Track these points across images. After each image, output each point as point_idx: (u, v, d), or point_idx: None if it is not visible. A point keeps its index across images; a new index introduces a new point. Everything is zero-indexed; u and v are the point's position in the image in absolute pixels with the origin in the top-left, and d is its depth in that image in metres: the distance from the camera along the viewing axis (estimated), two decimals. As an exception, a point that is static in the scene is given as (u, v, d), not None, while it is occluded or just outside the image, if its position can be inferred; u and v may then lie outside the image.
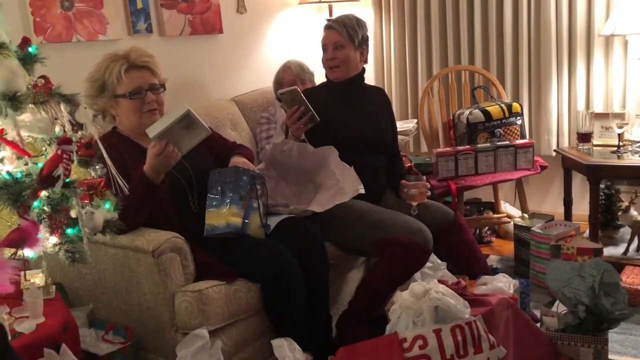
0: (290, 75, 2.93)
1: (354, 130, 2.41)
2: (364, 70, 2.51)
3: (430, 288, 1.70)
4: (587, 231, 2.91)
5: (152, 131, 1.86)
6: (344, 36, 2.39)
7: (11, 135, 1.48)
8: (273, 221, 2.17)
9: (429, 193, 2.43)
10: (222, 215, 1.99)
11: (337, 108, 2.43)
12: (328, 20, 3.50)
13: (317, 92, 2.52)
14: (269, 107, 3.00)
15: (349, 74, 2.44)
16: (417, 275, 2.20)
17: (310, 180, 2.37)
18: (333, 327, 2.25)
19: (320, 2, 3.53)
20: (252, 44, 3.42)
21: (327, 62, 2.44)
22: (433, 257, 2.34)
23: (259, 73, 3.40)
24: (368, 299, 2.22)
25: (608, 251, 2.86)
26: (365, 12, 3.79)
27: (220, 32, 3.15)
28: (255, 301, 2.00)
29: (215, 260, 2.00)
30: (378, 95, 2.63)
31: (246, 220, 2.03)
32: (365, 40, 2.47)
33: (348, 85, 2.46)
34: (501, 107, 3.11)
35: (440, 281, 1.97)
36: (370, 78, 3.52)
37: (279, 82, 2.95)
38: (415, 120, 3.43)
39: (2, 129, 1.48)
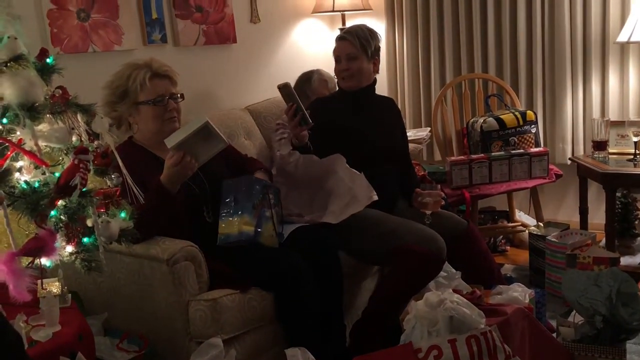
0: (325, 90, 2.88)
1: (366, 139, 2.42)
2: (375, 80, 2.52)
3: (445, 298, 1.69)
4: (604, 240, 2.88)
5: (171, 141, 1.88)
6: (357, 47, 2.40)
7: (29, 145, 1.50)
8: (287, 229, 2.17)
9: (443, 202, 2.43)
10: (234, 224, 2.00)
11: (349, 116, 2.44)
12: (341, 30, 3.52)
13: (330, 101, 2.53)
14: (283, 115, 3.00)
15: (362, 84, 2.46)
16: (432, 284, 2.18)
17: (320, 187, 2.38)
18: (347, 337, 2.24)
19: (333, 12, 3.54)
20: (265, 54, 3.44)
21: (341, 73, 2.45)
22: (447, 266, 2.32)
23: (273, 82, 3.37)
24: (382, 308, 2.21)
25: (625, 261, 2.83)
26: (378, 21, 3.80)
27: (234, 42, 3.18)
28: (269, 310, 2.00)
29: (229, 269, 2.00)
30: (388, 104, 2.65)
31: (259, 229, 2.03)
32: (377, 50, 2.48)
33: (360, 94, 2.48)
34: (515, 115, 3.10)
35: (455, 290, 1.96)
36: (383, 86, 3.54)
37: (305, 93, 2.87)
38: (429, 129, 3.42)
39: (21, 139, 1.50)
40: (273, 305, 2.00)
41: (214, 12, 3.05)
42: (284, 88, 2.26)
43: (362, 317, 2.26)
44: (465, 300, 1.75)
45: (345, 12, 3.59)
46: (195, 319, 1.89)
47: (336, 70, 2.47)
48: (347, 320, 2.28)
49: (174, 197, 1.93)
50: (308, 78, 2.93)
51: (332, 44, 3.62)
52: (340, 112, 2.44)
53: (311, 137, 2.32)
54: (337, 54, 2.45)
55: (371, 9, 3.64)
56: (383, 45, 3.77)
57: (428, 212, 2.35)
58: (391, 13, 3.74)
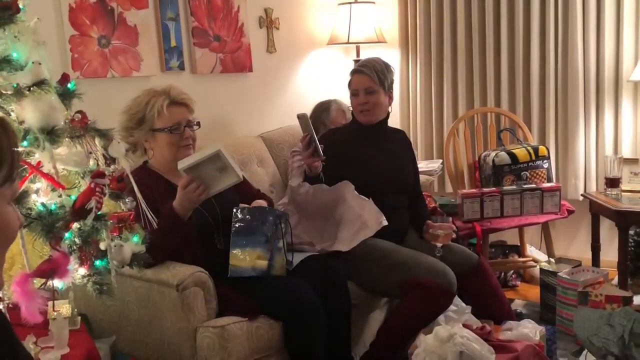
0: (342, 119, 2.91)
1: (377, 169, 2.43)
2: (389, 113, 2.55)
3: (455, 332, 1.68)
4: (616, 278, 2.85)
5: (182, 163, 1.90)
6: (375, 81, 2.41)
7: (47, 167, 1.52)
8: (296, 258, 2.17)
9: (454, 235, 2.42)
10: (247, 258, 2.00)
11: (361, 147, 2.46)
12: (355, 61, 3.57)
13: (343, 131, 2.56)
14: (299, 143, 3.02)
15: (379, 117, 2.47)
16: (441, 318, 2.16)
17: (330, 215, 2.39)
18: (354, 369, 2.21)
19: (348, 43, 3.59)
20: (280, 83, 3.48)
21: (359, 107, 2.45)
22: (457, 300, 2.30)
23: (287, 111, 3.45)
24: (390, 341, 2.19)
25: (638, 300, 2.78)
26: (392, 53, 3.85)
27: (250, 71, 3.23)
28: (277, 339, 1.99)
29: (237, 296, 2.00)
30: (400, 136, 2.67)
31: (272, 262, 2.03)
32: (392, 84, 2.51)
33: (374, 127, 2.49)
34: (528, 150, 3.10)
35: (464, 325, 1.94)
36: (396, 118, 3.56)
37: (323, 122, 2.91)
38: (440, 161, 3.43)
39: (39, 162, 1.52)
40: (281, 334, 1.99)
41: (231, 42, 3.11)
42: (301, 118, 2.28)
43: (371, 350, 2.24)
44: (475, 335, 1.73)
45: (360, 44, 3.64)
46: (203, 345, 1.88)
47: (354, 104, 2.48)
48: (355, 352, 2.26)
49: (185, 223, 1.94)
50: (326, 107, 2.96)
51: (347, 73, 3.69)
52: (352, 142, 2.46)
53: (324, 168, 2.34)
54: (355, 87, 2.46)
55: (385, 42, 3.69)
56: (397, 77, 3.82)
57: (439, 244, 2.33)
58: (405, 46, 3.79)
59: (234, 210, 2.09)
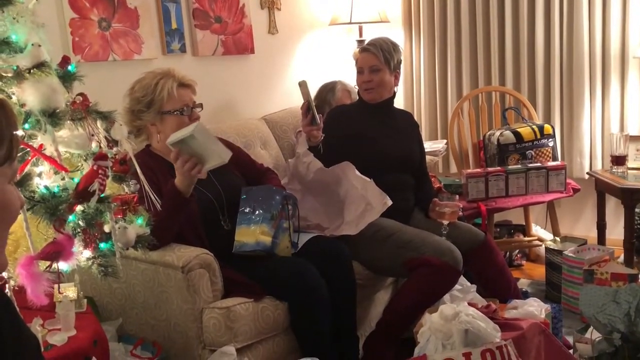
0: (348, 99, 2.92)
1: (383, 147, 2.43)
2: (394, 93, 2.55)
3: (460, 311, 1.67)
4: (622, 256, 2.84)
5: (170, 138, 1.90)
6: (380, 60, 2.42)
7: (49, 150, 1.52)
8: (301, 239, 2.17)
9: (461, 213, 2.43)
10: (252, 233, 2.00)
11: (367, 125, 2.46)
12: (359, 41, 3.54)
13: (349, 109, 2.57)
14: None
15: (383, 96, 2.48)
16: (446, 297, 2.16)
17: (332, 195, 2.39)
18: (360, 348, 2.22)
19: (350, 23, 3.56)
20: (282, 64, 3.46)
21: (363, 84, 2.47)
22: (462, 279, 2.30)
23: (289, 92, 3.43)
24: (396, 320, 2.20)
25: (644, 277, 2.78)
26: (395, 33, 3.81)
27: (252, 53, 3.20)
28: (283, 319, 2.00)
29: (243, 278, 2.00)
30: (406, 117, 2.68)
31: (276, 240, 2.03)
32: (399, 64, 2.51)
33: (380, 106, 2.50)
34: (532, 129, 3.08)
35: (470, 304, 1.94)
36: (399, 97, 3.54)
37: (329, 102, 2.91)
38: (445, 141, 3.41)
39: (41, 145, 1.52)
40: (287, 314, 2.00)
41: (232, 23, 3.08)
42: (302, 85, 2.26)
43: (376, 329, 2.25)
44: (480, 313, 1.73)
45: (363, 24, 3.60)
46: (209, 326, 1.89)
47: (358, 81, 2.50)
48: (361, 332, 2.27)
49: (187, 201, 1.93)
50: (331, 88, 2.96)
51: (350, 54, 3.67)
52: (358, 121, 2.47)
53: (329, 145, 2.33)
54: (360, 65, 2.47)
55: (388, 21, 3.65)
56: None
57: (445, 222, 2.34)
58: (409, 25, 3.75)
59: (242, 189, 2.09)
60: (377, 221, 2.27)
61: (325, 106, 2.91)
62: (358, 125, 2.44)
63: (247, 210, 2.05)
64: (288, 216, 2.08)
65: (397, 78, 2.51)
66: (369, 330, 2.30)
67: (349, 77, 3.42)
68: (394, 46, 2.48)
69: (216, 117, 2.92)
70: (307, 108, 2.24)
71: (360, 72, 2.48)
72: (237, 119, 3.06)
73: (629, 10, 3.10)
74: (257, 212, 2.03)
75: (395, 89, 2.54)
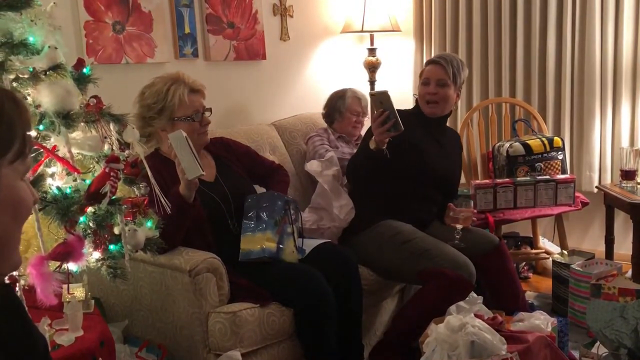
0: (358, 107, 2.95)
1: (428, 161, 2.46)
2: (451, 112, 2.58)
3: (467, 322, 1.67)
4: (630, 271, 2.82)
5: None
6: (449, 74, 2.44)
7: (62, 151, 1.53)
8: (309, 245, 2.18)
9: (475, 219, 2.49)
10: (257, 240, 2.01)
11: (418, 136, 2.47)
12: (370, 49, 3.55)
13: (406, 116, 2.55)
14: (318, 129, 3.02)
15: (444, 112, 2.51)
16: (452, 308, 2.16)
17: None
18: (365, 357, 2.22)
19: (362, 31, 3.57)
20: (293, 71, 3.48)
21: (427, 96, 2.47)
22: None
23: (300, 99, 3.45)
24: (405, 330, 2.19)
25: (651, 293, 2.76)
26: (406, 43, 3.82)
27: (264, 58, 3.22)
28: (288, 326, 2.00)
29: (250, 283, 2.01)
30: (455, 137, 2.72)
31: (280, 246, 2.04)
32: (462, 83, 2.53)
33: (435, 121, 2.52)
34: (542, 141, 3.07)
35: (476, 315, 1.93)
36: (408, 102, 3.54)
37: (339, 109, 2.93)
38: (454, 151, 3.40)
39: (55, 146, 1.53)
40: (292, 321, 2.00)
41: (245, 29, 3.10)
42: (381, 95, 2.26)
43: (385, 338, 2.25)
44: (486, 325, 1.73)
45: (374, 33, 3.62)
46: (215, 331, 1.89)
47: (422, 92, 2.49)
48: (366, 340, 2.27)
49: (190, 205, 1.94)
50: (342, 95, 2.97)
51: (361, 62, 3.68)
52: (412, 129, 2.42)
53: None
54: (427, 77, 2.48)
55: (400, 30, 3.66)
56: (411, 67, 3.81)
57: (459, 226, 2.36)
58: (420, 34, 3.76)
59: (247, 197, 2.10)
60: (395, 225, 2.32)
61: (335, 114, 2.93)
62: (411, 134, 2.40)
63: (251, 217, 2.06)
64: (291, 220, 2.09)
65: (458, 97, 2.53)
66: (374, 339, 2.30)
67: (360, 84, 3.43)
68: (462, 64, 2.51)
69: (227, 122, 2.94)
70: (387, 116, 2.23)
71: (425, 83, 2.48)
72: (248, 123, 3.08)
73: (641, 25, 3.09)
74: (261, 219, 2.04)
75: (454, 107, 2.58)
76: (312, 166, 2.68)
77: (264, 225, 2.03)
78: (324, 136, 2.90)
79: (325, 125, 3.02)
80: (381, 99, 2.26)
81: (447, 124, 2.68)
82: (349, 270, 2.11)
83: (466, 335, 1.64)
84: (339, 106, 2.93)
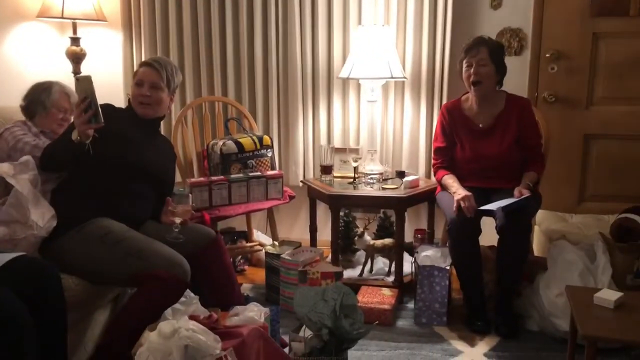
0: (66, 103, 2.63)
1: (140, 153, 2.41)
2: (164, 115, 2.58)
3: (179, 326, 1.64)
4: (330, 256, 3.15)
5: None
6: (162, 78, 2.46)
7: None
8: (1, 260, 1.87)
9: (193, 212, 2.52)
10: None
11: (132, 133, 2.43)
12: (72, 39, 3.24)
13: (120, 111, 2.51)
14: (15, 122, 2.60)
15: (157, 114, 2.51)
16: (168, 312, 2.10)
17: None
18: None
19: (62, 18, 3.24)
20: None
21: (140, 97, 2.45)
22: (187, 291, 2.27)
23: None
24: (121, 339, 2.04)
25: (347, 273, 3.13)
26: (113, 34, 3.61)
27: None
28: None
29: None
30: (168, 144, 2.73)
31: None
32: (176, 87, 2.57)
33: (149, 122, 2.51)
34: (253, 140, 3.22)
35: (191, 317, 1.92)
36: (120, 102, 3.37)
37: (43, 102, 2.59)
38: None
39: None
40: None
41: None
42: (84, 79, 2.17)
43: (96, 353, 2.07)
44: (201, 326, 1.72)
45: (77, 21, 3.32)
46: None
47: (135, 93, 2.47)
48: (76, 358, 2.06)
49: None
50: (47, 88, 2.63)
51: (62, 53, 3.35)
52: (126, 123, 2.44)
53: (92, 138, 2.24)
54: (141, 79, 2.47)
55: (106, 20, 3.43)
56: (120, 60, 3.61)
57: (177, 220, 2.34)
58: (128, 25, 3.58)
59: None
60: (105, 223, 2.20)
61: (38, 107, 2.60)
62: (125, 127, 2.41)
63: None
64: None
65: (172, 101, 2.57)
66: (84, 355, 2.10)
67: (63, 77, 3.11)
68: (177, 70, 2.55)
69: None
70: (88, 104, 2.14)
71: (139, 84, 2.47)
72: None
73: (333, 37, 3.46)
74: None
75: (168, 111, 2.58)
76: (3, 168, 2.32)
77: None
78: (25, 128, 2.54)
79: (23, 118, 2.64)
80: (86, 86, 2.15)
81: (162, 128, 2.67)
82: (45, 282, 1.88)
83: (179, 340, 1.60)
84: (42, 99, 2.59)
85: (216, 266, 2.46)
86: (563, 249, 2.70)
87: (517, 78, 3.20)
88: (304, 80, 3.52)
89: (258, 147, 3.22)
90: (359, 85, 3.46)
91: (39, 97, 2.61)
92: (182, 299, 2.22)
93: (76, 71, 3.37)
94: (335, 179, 3.26)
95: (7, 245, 2.08)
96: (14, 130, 2.51)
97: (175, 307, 2.13)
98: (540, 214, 3.13)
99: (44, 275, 1.88)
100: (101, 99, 2.20)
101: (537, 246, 3.18)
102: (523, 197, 2.62)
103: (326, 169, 3.27)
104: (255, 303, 2.36)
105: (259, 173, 3.15)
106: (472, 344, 2.57)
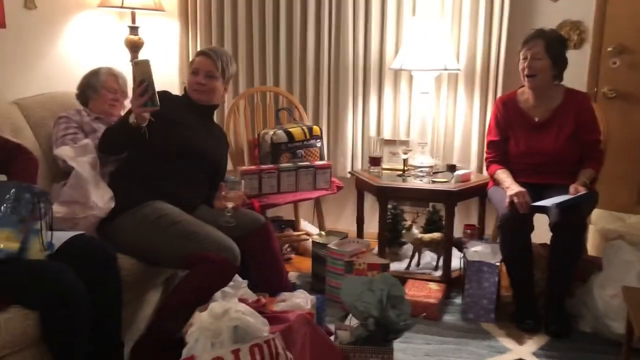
0: (115, 84, 2.72)
1: (197, 143, 2.47)
2: (218, 104, 2.65)
3: (230, 307, 1.67)
4: (377, 248, 3.14)
5: None
6: (217, 67, 2.52)
7: None
8: (59, 239, 1.95)
9: (245, 198, 2.58)
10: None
11: (188, 118, 2.49)
12: (131, 27, 3.33)
13: (175, 98, 2.59)
14: (69, 110, 2.70)
15: (211, 101, 2.57)
16: (218, 295, 2.15)
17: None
18: (125, 354, 2.08)
19: (122, 7, 3.34)
20: (42, 44, 3.09)
21: (195, 85, 2.53)
22: (235, 275, 2.31)
23: (50, 76, 3.09)
24: (170, 320, 2.09)
25: (394, 266, 3.12)
26: (171, 23, 3.69)
27: (3, 27, 2.80)
28: (33, 331, 1.76)
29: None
30: (221, 133, 2.78)
31: (24, 246, 1.78)
32: (230, 77, 2.63)
33: (204, 107, 2.58)
34: (303, 130, 3.24)
35: (240, 300, 1.95)
36: (175, 90, 3.45)
37: (93, 85, 2.69)
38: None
39: None
40: (37, 325, 1.77)
41: (-23, -10, 2.65)
42: (141, 64, 2.21)
43: (146, 332, 2.13)
44: (250, 309, 1.75)
45: (136, 10, 3.41)
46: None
47: (191, 81, 2.55)
48: (128, 337, 2.13)
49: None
50: (95, 72, 2.74)
51: (121, 41, 3.45)
52: (181, 109, 2.50)
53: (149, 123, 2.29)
54: (197, 67, 2.54)
55: (164, 10, 3.51)
56: (176, 49, 3.69)
57: (230, 205, 2.39)
58: (185, 16, 3.66)
59: None
60: (160, 206, 2.26)
61: (89, 91, 2.69)
62: (180, 113, 2.47)
63: None
64: (40, 215, 1.84)
65: (226, 90, 2.64)
66: (137, 335, 2.17)
67: (122, 65, 3.20)
68: (231, 60, 2.61)
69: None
70: (145, 88, 2.18)
71: (195, 72, 2.53)
72: (-18, 101, 2.65)
73: (386, 29, 3.44)
74: (0, 213, 1.75)
75: (223, 99, 2.67)
76: (64, 151, 2.42)
77: (4, 222, 1.75)
78: (75, 119, 2.62)
79: (80, 107, 2.74)
80: (143, 69, 2.20)
81: (215, 117, 2.73)
82: (104, 261, 1.95)
83: (229, 321, 1.63)
84: (92, 83, 2.69)
85: (265, 252, 2.50)
86: (620, 249, 2.61)
87: (575, 72, 3.09)
88: (355, 71, 3.51)
89: (308, 137, 3.24)
90: (410, 77, 3.42)
91: (89, 81, 2.71)
92: (231, 282, 2.26)
93: (134, 60, 3.46)
94: (384, 171, 3.24)
95: (68, 225, 2.16)
96: (60, 123, 2.57)
97: (224, 290, 2.17)
98: (595, 213, 3.03)
99: (102, 254, 1.96)
100: (157, 87, 2.24)
101: (591, 246, 3.08)
102: (579, 194, 2.54)
103: (375, 161, 3.25)
104: (302, 290, 2.39)
105: (307, 163, 3.17)
106: (520, 342, 2.52)
